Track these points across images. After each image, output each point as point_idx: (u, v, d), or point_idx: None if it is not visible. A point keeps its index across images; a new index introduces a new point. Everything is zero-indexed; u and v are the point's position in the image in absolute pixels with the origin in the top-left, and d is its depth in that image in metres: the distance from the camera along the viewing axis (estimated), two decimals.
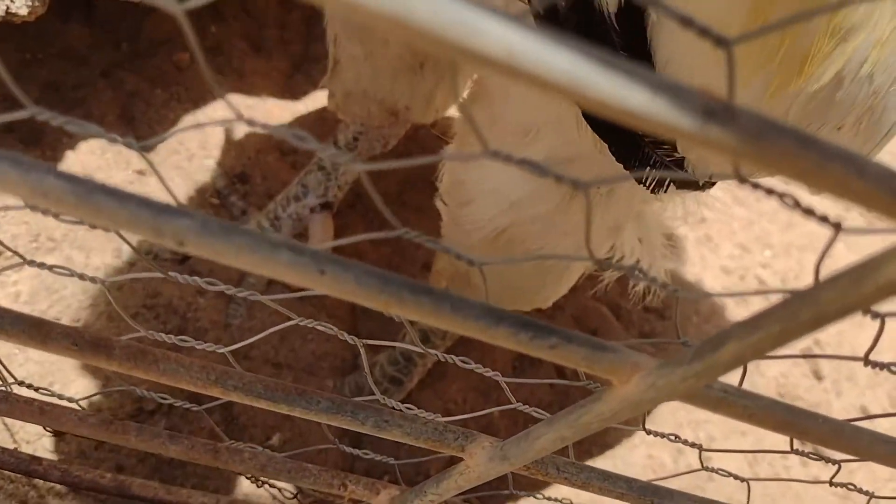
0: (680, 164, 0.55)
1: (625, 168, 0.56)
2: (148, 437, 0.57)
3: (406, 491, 0.58)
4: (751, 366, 1.33)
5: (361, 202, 1.16)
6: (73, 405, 0.58)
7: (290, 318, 0.48)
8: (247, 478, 0.70)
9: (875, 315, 0.36)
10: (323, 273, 0.33)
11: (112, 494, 0.66)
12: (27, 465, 0.66)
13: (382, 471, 0.97)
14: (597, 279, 0.89)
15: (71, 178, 0.30)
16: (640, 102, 0.22)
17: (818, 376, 1.35)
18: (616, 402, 0.39)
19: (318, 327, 0.52)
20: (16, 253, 0.45)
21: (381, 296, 0.34)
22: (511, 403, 0.57)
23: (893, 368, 0.41)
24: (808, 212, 0.30)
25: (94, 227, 0.67)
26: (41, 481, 0.71)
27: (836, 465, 0.55)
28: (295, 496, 0.73)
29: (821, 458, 0.55)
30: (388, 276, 0.34)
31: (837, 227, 0.30)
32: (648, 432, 0.55)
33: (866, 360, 0.41)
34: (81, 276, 0.47)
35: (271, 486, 0.71)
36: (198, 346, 0.51)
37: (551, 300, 0.95)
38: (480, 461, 0.49)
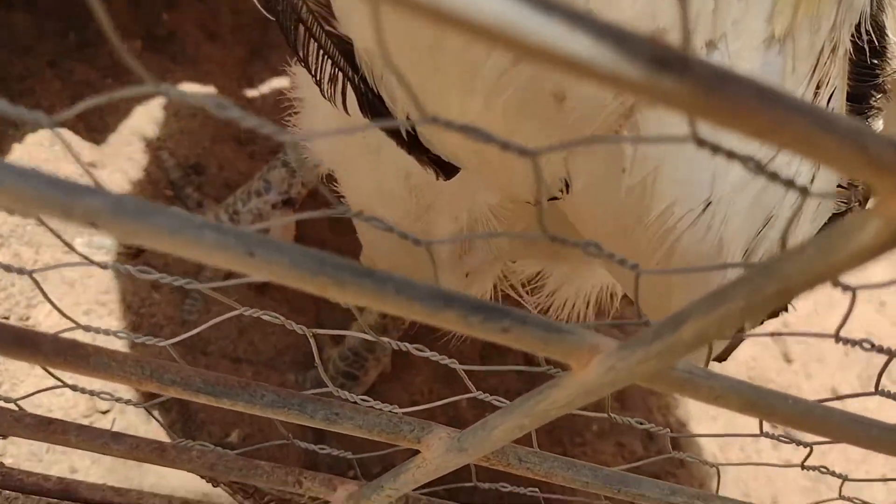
0: None
1: None
2: (89, 437, 0.54)
3: (363, 486, 0.55)
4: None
5: (322, 196, 1.13)
6: (11, 405, 0.55)
7: (246, 310, 0.46)
8: (201, 477, 0.67)
9: (846, 288, 0.35)
10: (252, 255, 0.30)
11: (58, 498, 0.63)
12: None
13: (347, 466, 0.94)
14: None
15: None
16: (582, 49, 0.20)
17: (788, 359, 1.35)
18: (574, 388, 0.37)
19: (264, 317, 0.50)
20: None
21: (317, 278, 0.31)
22: (471, 392, 0.55)
23: (865, 346, 0.39)
24: (774, 176, 0.29)
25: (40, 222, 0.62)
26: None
27: (808, 448, 0.54)
28: (251, 495, 0.70)
29: (791, 440, 0.53)
30: (325, 257, 0.32)
31: (804, 191, 0.28)
32: (613, 418, 0.53)
33: (837, 337, 0.40)
34: (20, 271, 0.44)
35: (220, 480, 0.68)
36: (136, 340, 0.48)
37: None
38: (437, 453, 0.46)
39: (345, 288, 0.32)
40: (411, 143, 0.53)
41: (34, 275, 0.45)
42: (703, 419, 1.21)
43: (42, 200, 0.28)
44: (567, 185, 0.50)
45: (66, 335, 0.42)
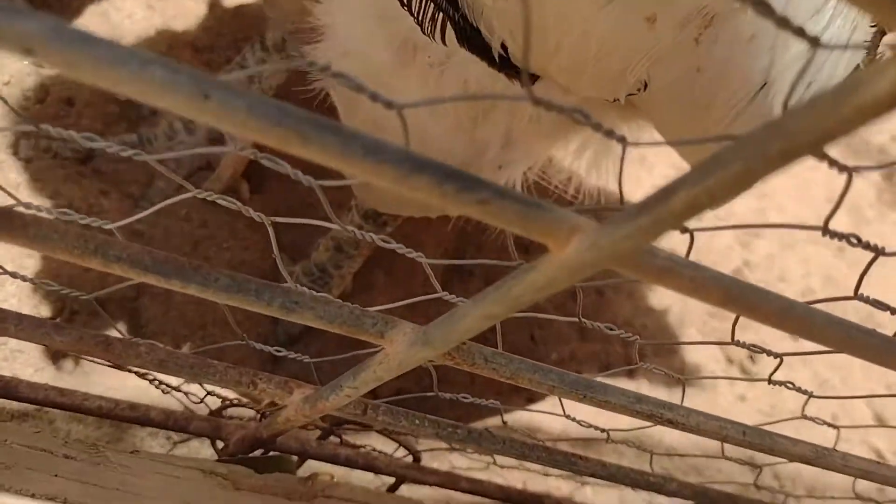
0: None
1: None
2: (30, 326, 0.50)
3: (321, 388, 0.53)
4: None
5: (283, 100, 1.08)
6: None
7: (204, 192, 0.42)
8: (145, 378, 0.65)
9: (837, 166, 0.33)
10: (207, 97, 0.28)
11: None
12: None
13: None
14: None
15: None
16: None
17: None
18: (552, 269, 0.34)
19: (220, 201, 0.46)
20: None
21: (277, 129, 0.29)
22: (437, 292, 0.53)
23: (853, 240, 0.38)
24: (597, 126, 0.30)
25: None
26: None
27: (778, 359, 0.53)
28: (202, 400, 0.68)
29: (762, 350, 0.52)
30: (288, 108, 0.29)
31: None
32: (583, 322, 0.52)
33: (825, 230, 0.38)
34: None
35: (172, 387, 0.65)
36: (81, 222, 0.45)
37: (435, 212, 0.91)
38: (401, 348, 0.44)
39: (308, 144, 0.29)
40: (502, 63, 0.63)
41: None
42: (667, 351, 1.21)
43: None
44: (645, 85, 0.60)
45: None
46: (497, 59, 0.63)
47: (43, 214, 0.44)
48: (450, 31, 0.62)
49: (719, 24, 0.54)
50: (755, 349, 0.52)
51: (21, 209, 0.39)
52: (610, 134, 0.34)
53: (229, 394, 0.76)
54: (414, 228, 1.07)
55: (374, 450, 0.73)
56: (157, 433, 0.82)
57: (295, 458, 0.71)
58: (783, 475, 1.15)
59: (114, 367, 0.70)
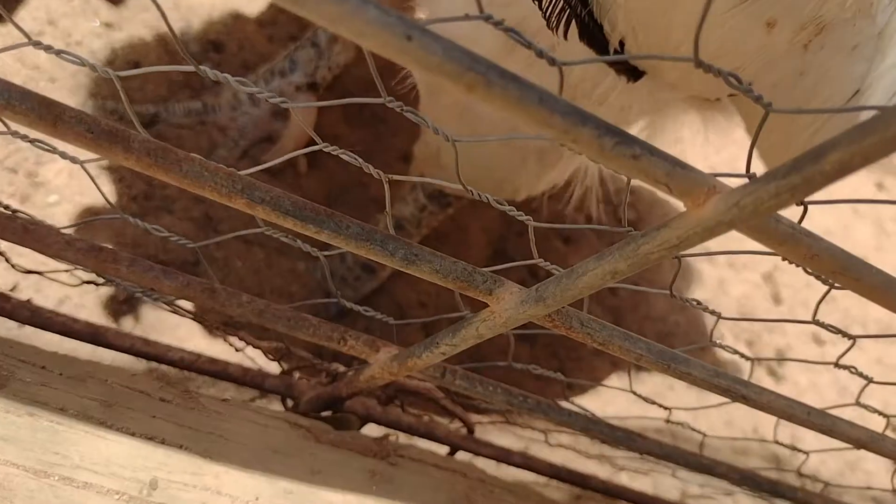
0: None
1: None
2: (140, 269, 0.52)
3: (414, 346, 0.55)
4: (715, 285, 1.34)
5: (340, 84, 1.11)
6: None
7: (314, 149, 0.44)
8: (232, 337, 0.67)
9: None
10: (409, 39, 0.30)
11: (86, 341, 0.62)
12: None
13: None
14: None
15: None
16: None
17: (777, 300, 1.38)
18: (688, 226, 0.37)
19: (345, 156, 0.48)
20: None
21: (467, 74, 0.31)
22: (533, 259, 0.55)
23: None
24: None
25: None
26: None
27: (852, 341, 0.55)
28: (277, 359, 0.69)
29: (839, 331, 0.54)
30: (476, 56, 0.31)
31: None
32: (673, 295, 0.54)
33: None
34: (92, 67, 0.43)
35: (256, 346, 0.68)
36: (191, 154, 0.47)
37: (523, 192, 0.93)
38: (510, 305, 0.46)
39: (491, 88, 0.31)
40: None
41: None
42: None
43: None
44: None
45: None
46: (612, 54, 0.67)
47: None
48: (573, 27, 0.66)
49: (828, 32, 0.57)
50: (832, 329, 0.54)
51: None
52: (759, 99, 0.36)
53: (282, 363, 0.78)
54: (461, 212, 1.09)
55: (433, 418, 0.76)
56: (222, 391, 0.84)
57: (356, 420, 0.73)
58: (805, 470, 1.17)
59: (194, 320, 0.72)
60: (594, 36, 0.65)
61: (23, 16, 0.95)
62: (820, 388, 1.31)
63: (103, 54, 0.96)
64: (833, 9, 0.56)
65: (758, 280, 1.36)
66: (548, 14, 0.65)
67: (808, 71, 0.60)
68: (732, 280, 1.35)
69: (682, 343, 1.23)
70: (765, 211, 0.35)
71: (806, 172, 0.32)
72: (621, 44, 0.65)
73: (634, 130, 0.86)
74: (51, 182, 0.88)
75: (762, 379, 1.27)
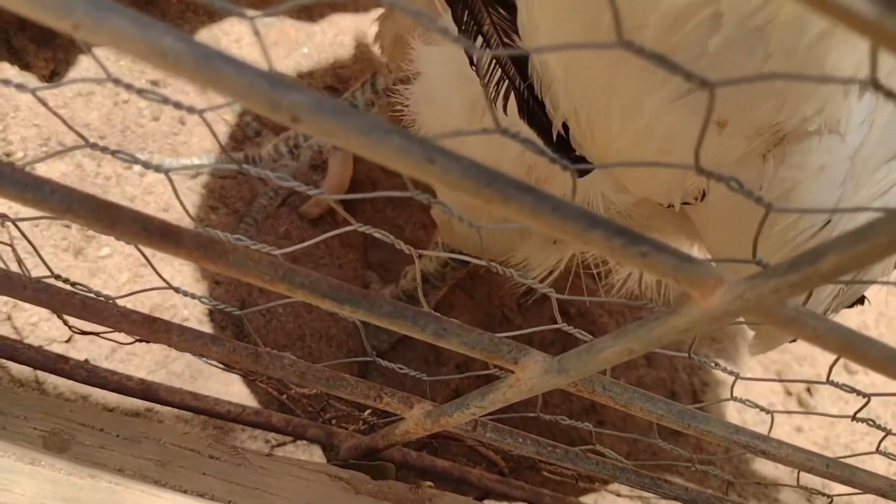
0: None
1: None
2: (190, 337, 0.56)
3: (446, 404, 0.58)
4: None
5: None
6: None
7: (361, 226, 0.48)
8: (276, 391, 0.71)
9: None
10: (432, 161, 0.33)
11: (139, 397, 0.66)
12: (53, 363, 0.65)
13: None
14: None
15: (189, 41, 0.29)
16: None
17: None
18: (695, 315, 0.39)
19: (375, 234, 0.52)
20: (82, 136, 0.44)
21: (485, 191, 0.34)
22: (556, 323, 0.57)
23: None
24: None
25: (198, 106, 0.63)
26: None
27: (866, 399, 0.57)
28: (318, 411, 0.73)
29: (853, 390, 0.56)
30: (493, 172, 0.34)
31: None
32: (692, 357, 0.56)
33: None
34: (145, 165, 0.47)
35: (302, 397, 0.71)
36: (253, 247, 0.51)
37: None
38: (534, 374, 0.49)
39: (508, 202, 0.34)
40: (558, 144, 0.60)
41: (171, 174, 0.47)
42: (726, 382, 1.25)
43: (251, 92, 0.30)
44: (703, 195, 0.57)
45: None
46: (554, 138, 0.60)
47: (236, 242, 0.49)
48: (512, 102, 0.60)
49: (789, 144, 0.51)
50: (845, 388, 0.56)
51: (220, 235, 0.45)
52: (759, 200, 0.38)
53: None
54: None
55: (467, 463, 0.78)
56: (256, 436, 0.88)
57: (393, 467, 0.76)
58: None
59: (233, 372, 0.76)
60: (534, 116, 0.59)
61: (73, 76, 1.00)
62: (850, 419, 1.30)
63: (149, 112, 1.01)
64: (791, 117, 0.50)
65: None
66: (486, 83, 0.59)
67: (771, 187, 0.53)
68: None
69: (708, 374, 1.24)
70: (767, 304, 0.37)
71: (804, 273, 0.35)
72: (565, 127, 0.58)
73: None
74: (102, 235, 0.93)
75: (792, 408, 1.27)
